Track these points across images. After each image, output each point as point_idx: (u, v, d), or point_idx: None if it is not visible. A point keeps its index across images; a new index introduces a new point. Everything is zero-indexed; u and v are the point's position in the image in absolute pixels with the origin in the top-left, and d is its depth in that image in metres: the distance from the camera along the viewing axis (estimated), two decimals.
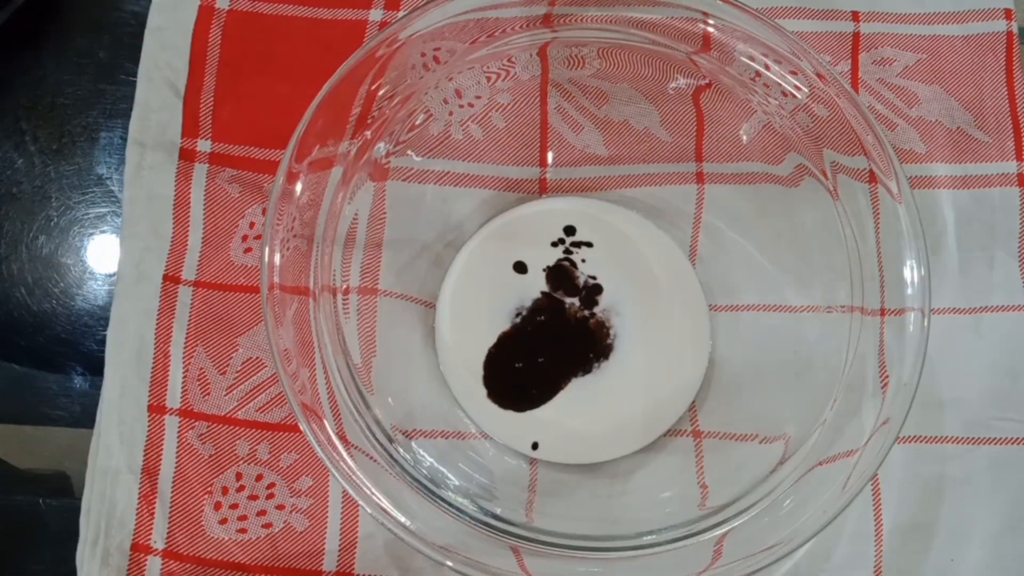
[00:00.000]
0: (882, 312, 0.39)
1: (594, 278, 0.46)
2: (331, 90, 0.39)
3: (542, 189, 0.48)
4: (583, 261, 0.46)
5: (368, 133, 0.42)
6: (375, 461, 0.39)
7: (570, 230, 0.47)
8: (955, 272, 0.46)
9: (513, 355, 0.45)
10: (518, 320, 0.45)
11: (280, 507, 0.43)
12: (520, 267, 0.46)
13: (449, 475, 0.41)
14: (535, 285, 0.46)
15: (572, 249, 0.46)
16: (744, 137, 0.45)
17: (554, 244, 0.46)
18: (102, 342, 0.45)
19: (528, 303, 0.45)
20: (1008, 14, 0.49)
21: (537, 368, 0.45)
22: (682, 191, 0.47)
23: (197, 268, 0.46)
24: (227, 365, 0.45)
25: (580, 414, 0.45)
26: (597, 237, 0.46)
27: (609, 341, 0.45)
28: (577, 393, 0.45)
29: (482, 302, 0.46)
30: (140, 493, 0.43)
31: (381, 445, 0.39)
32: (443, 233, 0.47)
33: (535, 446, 0.44)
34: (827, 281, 0.42)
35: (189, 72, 0.48)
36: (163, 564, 0.42)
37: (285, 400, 0.40)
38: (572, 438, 0.44)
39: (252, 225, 0.47)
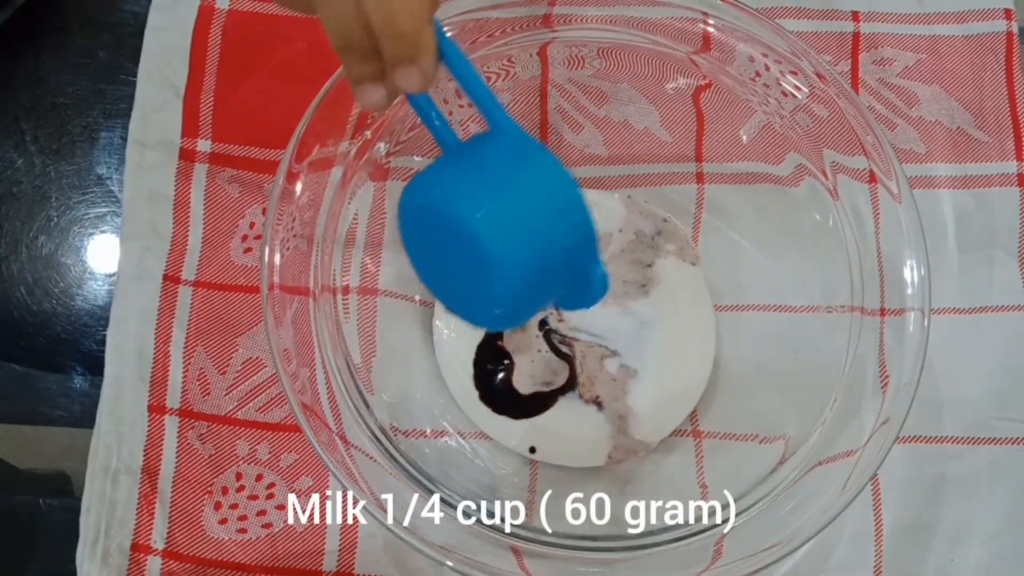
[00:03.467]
0: (882, 312, 0.39)
1: None
2: (331, 90, 0.39)
3: None
4: None
5: (368, 133, 0.42)
6: (375, 461, 0.39)
7: None
8: (955, 272, 0.46)
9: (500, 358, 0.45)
10: None
11: (280, 507, 0.43)
12: None
13: (449, 475, 0.41)
14: None
15: None
16: (744, 137, 0.45)
17: None
18: (102, 342, 0.45)
19: None
20: (1008, 14, 0.49)
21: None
22: (682, 191, 0.47)
23: (197, 268, 0.46)
24: (227, 365, 0.45)
25: (580, 418, 0.44)
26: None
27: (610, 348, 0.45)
28: (577, 397, 0.45)
29: None
30: (140, 493, 0.43)
31: (381, 445, 0.39)
32: None
33: (532, 450, 0.44)
34: (827, 281, 0.42)
35: (189, 72, 0.48)
36: (163, 564, 0.42)
37: (285, 400, 0.40)
38: (571, 442, 0.44)
39: (252, 225, 0.47)
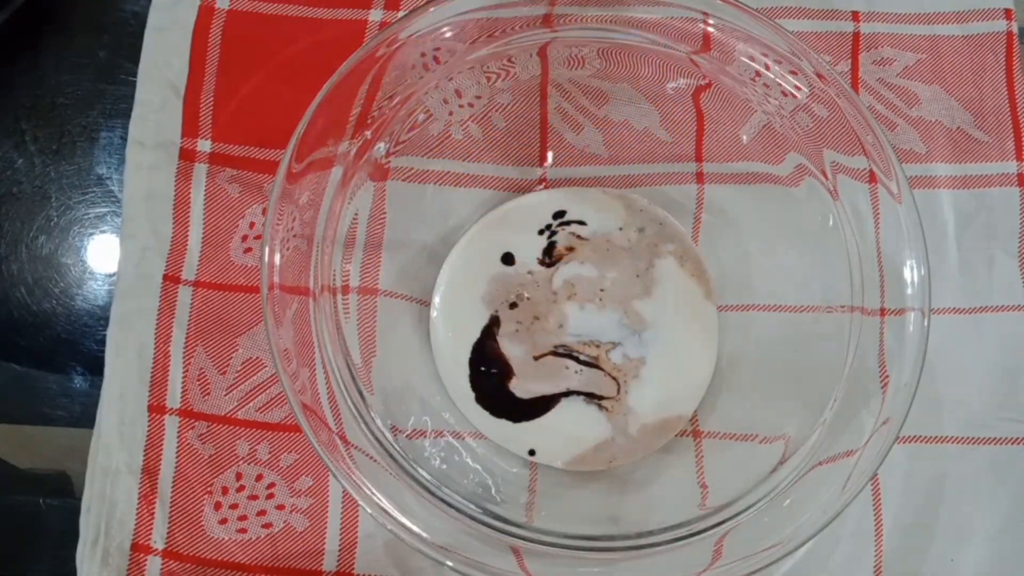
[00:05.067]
0: (882, 312, 0.39)
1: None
2: (331, 90, 0.39)
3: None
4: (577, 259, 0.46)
5: (368, 133, 0.42)
6: (375, 461, 0.39)
7: (560, 215, 0.46)
8: (955, 272, 0.46)
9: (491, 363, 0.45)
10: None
11: (280, 507, 0.43)
12: (508, 259, 0.46)
13: (449, 475, 0.41)
14: (525, 276, 0.46)
15: (561, 228, 0.46)
16: (744, 137, 0.45)
17: (540, 232, 0.46)
18: (102, 342, 0.45)
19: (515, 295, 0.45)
20: (1008, 14, 0.49)
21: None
22: (682, 191, 0.47)
23: (197, 268, 0.46)
24: (227, 365, 0.45)
25: (581, 420, 0.44)
26: (590, 228, 0.46)
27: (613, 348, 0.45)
28: (577, 399, 0.45)
29: (473, 300, 0.45)
30: (140, 493, 0.43)
31: (381, 445, 0.39)
32: (443, 233, 0.47)
33: (532, 452, 0.44)
34: (827, 281, 0.42)
35: (189, 72, 0.48)
36: (163, 564, 0.42)
37: (285, 400, 0.40)
38: (572, 443, 0.44)
39: (252, 225, 0.47)
